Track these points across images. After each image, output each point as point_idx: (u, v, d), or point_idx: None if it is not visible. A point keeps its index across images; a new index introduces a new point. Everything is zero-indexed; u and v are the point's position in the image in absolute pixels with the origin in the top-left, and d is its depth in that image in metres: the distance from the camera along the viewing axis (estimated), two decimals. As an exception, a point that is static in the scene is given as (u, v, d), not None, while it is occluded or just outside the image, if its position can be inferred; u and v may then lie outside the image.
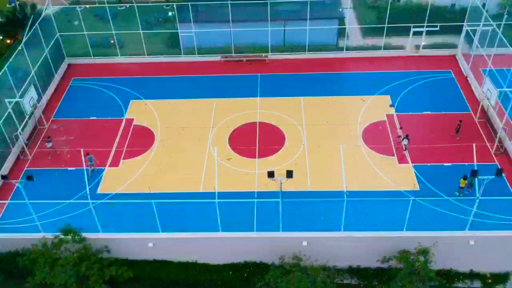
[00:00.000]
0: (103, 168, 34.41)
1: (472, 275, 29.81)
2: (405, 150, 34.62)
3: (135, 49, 45.65)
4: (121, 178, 33.59)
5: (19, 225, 29.85)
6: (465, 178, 30.71)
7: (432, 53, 44.80)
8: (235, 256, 30.11)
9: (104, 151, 35.68)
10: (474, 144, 32.12)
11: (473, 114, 37.69)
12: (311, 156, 34.71)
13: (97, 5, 46.54)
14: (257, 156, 34.84)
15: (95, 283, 27.15)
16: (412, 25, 43.49)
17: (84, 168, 32.72)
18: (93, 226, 28.95)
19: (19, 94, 36.21)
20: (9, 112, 34.66)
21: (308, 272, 26.75)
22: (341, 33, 46.04)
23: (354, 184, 31.77)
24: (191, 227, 29.22)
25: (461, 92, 40.20)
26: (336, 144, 35.15)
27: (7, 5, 54.38)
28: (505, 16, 39.38)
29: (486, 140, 35.23)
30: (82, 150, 33.70)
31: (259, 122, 37.98)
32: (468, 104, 38.83)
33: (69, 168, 34.51)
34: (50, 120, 39.16)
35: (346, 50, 45.23)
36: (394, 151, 34.84)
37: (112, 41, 46.16)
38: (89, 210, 29.37)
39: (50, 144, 35.60)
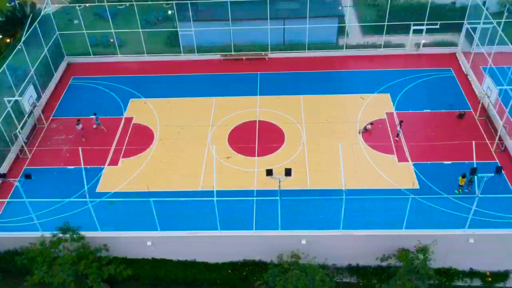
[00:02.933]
0: (102, 167, 34.38)
1: (472, 274, 29.68)
2: (397, 136, 35.12)
3: (134, 48, 45.62)
4: (120, 176, 33.53)
5: (18, 224, 29.82)
6: (464, 176, 30.61)
7: (432, 51, 44.67)
8: (234, 255, 30.04)
9: (103, 149, 35.65)
10: (474, 142, 32.01)
11: (473, 112, 37.58)
12: (310, 155, 34.63)
13: (96, 3, 46.48)
14: (256, 155, 34.77)
15: (93, 281, 27.13)
16: (412, 23, 43.34)
17: (83, 166, 32.61)
18: (91, 225, 28.90)
19: (18, 93, 36.15)
20: (8, 111, 34.61)
21: (307, 271, 26.66)
22: (341, 31, 45.93)
23: (354, 182, 31.68)
24: (190, 225, 29.14)
25: (461, 90, 40.07)
26: (336, 142, 35.00)
27: (7, 4, 54.37)
28: (505, 14, 39.24)
29: (486, 138, 35.13)
30: (80, 149, 33.69)
31: (258, 120, 37.91)
32: (468, 102, 38.69)
33: (68, 167, 34.48)
34: (50, 119, 39.14)
35: (346, 48, 45.11)
36: (394, 149, 34.75)
37: (111, 40, 46.14)
38: (88, 209, 29.34)
39: (80, 126, 36.29)
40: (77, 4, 44.75)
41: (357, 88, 40.82)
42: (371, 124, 36.50)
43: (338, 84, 41.71)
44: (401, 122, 35.39)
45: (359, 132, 36.00)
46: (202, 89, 41.60)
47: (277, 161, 33.90)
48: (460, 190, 31.04)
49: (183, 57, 45.54)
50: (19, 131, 35.42)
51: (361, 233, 28.47)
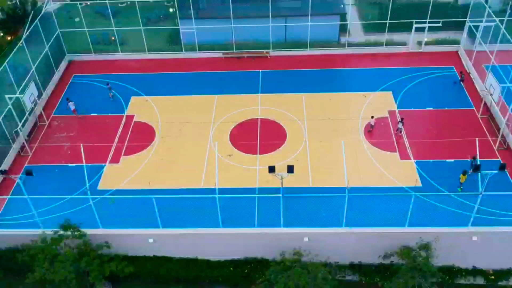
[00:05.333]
0: (103, 164, 34.27)
1: (475, 272, 29.56)
2: (399, 132, 35.26)
3: (136, 45, 45.54)
4: (121, 174, 33.45)
5: (19, 221, 29.73)
6: (464, 173, 30.55)
7: (434, 49, 44.57)
8: (236, 252, 29.93)
9: (104, 147, 35.56)
10: (477, 139, 31.89)
11: (475, 110, 37.47)
12: (312, 152, 34.52)
13: (98, 1, 46.45)
14: (258, 152, 34.67)
15: (95, 279, 27.03)
16: (414, 21, 43.23)
17: (84, 164, 32.51)
18: (93, 222, 28.82)
19: (20, 90, 36.09)
20: (9, 108, 34.51)
21: (308, 268, 26.54)
22: (343, 29, 45.85)
23: (356, 180, 31.54)
24: (191, 223, 29.06)
25: (464, 88, 39.95)
26: (338, 140, 34.97)
27: (8, 2, 54.24)
28: (508, 12, 39.13)
29: (489, 136, 35.02)
30: (82, 146, 33.63)
31: (260, 118, 37.80)
32: (470, 100, 38.58)
33: (69, 164, 34.38)
34: (51, 117, 39.03)
35: (348, 46, 45.01)
36: (396, 147, 34.64)
37: (113, 38, 46.07)
38: (89, 206, 29.24)
39: (72, 107, 37.97)
40: (78, 2, 44.64)
41: (359, 86, 40.72)
42: (372, 117, 36.21)
43: (340, 82, 41.60)
44: (402, 119, 35.28)
45: (369, 131, 35.83)
46: (203, 87, 41.51)
47: (279, 158, 33.77)
48: (461, 188, 30.97)
49: (184, 55, 45.45)
50: (20, 129, 35.32)
51: (363, 230, 28.36)
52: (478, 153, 30.88)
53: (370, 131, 35.90)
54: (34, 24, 40.10)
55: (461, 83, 39.73)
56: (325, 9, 45.31)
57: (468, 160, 31.98)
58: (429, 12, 42.52)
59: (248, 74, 43.04)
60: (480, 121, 36.52)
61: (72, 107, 38.08)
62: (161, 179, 32.75)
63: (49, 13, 43.27)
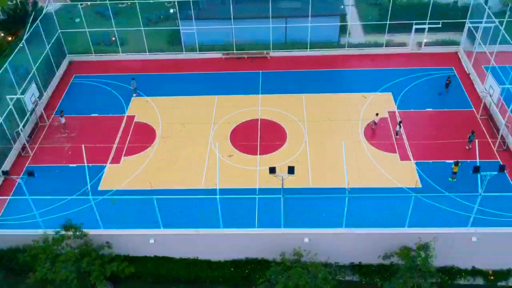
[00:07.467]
0: (104, 165, 34.37)
1: (474, 272, 29.68)
2: (396, 135, 35.53)
3: (136, 46, 45.62)
4: (122, 175, 33.54)
5: (21, 221, 29.83)
6: (456, 164, 30.98)
7: (434, 50, 44.67)
8: (236, 253, 30.05)
9: (105, 148, 35.65)
10: (476, 141, 32.02)
11: (475, 111, 37.58)
12: (312, 153, 34.63)
13: (98, 2, 46.53)
14: (258, 153, 34.78)
15: (96, 279, 27.11)
16: (414, 22, 43.35)
17: (85, 164, 32.56)
18: (94, 223, 28.93)
19: (20, 91, 36.20)
20: (10, 108, 34.60)
21: (309, 269, 26.66)
22: (343, 30, 45.94)
23: (356, 180, 31.68)
24: (192, 223, 29.15)
25: (463, 89, 40.07)
26: (338, 141, 35.09)
27: (8, 2, 54.28)
28: (508, 13, 39.25)
29: (488, 137, 35.12)
30: (83, 146, 33.72)
31: (260, 119, 37.91)
32: (470, 101, 38.70)
33: (70, 165, 34.47)
34: (52, 117, 39.12)
35: (347, 47, 45.10)
36: (396, 148, 34.75)
37: (113, 38, 46.15)
38: (91, 206, 29.35)
39: (63, 120, 37.25)
40: (78, 2, 44.73)
41: (359, 86, 40.83)
42: (377, 114, 36.32)
43: (340, 83, 41.72)
44: (400, 122, 35.38)
45: (372, 128, 36.10)
46: (204, 87, 41.62)
47: (279, 159, 33.90)
48: (455, 179, 31.12)
49: (185, 55, 45.54)
50: (21, 129, 35.41)
51: (363, 231, 28.47)
52: (477, 154, 31.02)
53: (373, 128, 35.95)
54: (35, 24, 40.18)
55: (446, 88, 39.60)
56: (325, 9, 45.36)
57: (468, 135, 33.36)
58: (429, 13, 42.62)
59: (248, 74, 43.14)
60: (480, 122, 36.63)
61: (63, 121, 37.68)
62: (161, 179, 32.86)
63: (49, 13, 43.35)
